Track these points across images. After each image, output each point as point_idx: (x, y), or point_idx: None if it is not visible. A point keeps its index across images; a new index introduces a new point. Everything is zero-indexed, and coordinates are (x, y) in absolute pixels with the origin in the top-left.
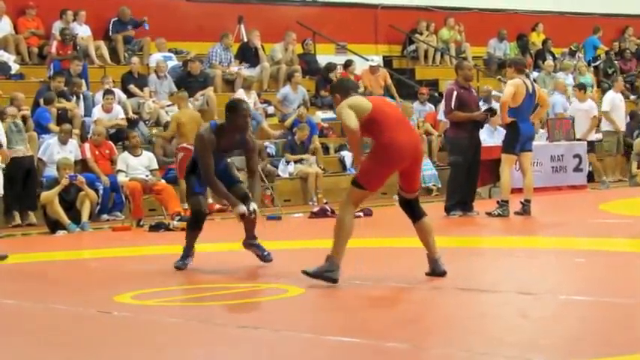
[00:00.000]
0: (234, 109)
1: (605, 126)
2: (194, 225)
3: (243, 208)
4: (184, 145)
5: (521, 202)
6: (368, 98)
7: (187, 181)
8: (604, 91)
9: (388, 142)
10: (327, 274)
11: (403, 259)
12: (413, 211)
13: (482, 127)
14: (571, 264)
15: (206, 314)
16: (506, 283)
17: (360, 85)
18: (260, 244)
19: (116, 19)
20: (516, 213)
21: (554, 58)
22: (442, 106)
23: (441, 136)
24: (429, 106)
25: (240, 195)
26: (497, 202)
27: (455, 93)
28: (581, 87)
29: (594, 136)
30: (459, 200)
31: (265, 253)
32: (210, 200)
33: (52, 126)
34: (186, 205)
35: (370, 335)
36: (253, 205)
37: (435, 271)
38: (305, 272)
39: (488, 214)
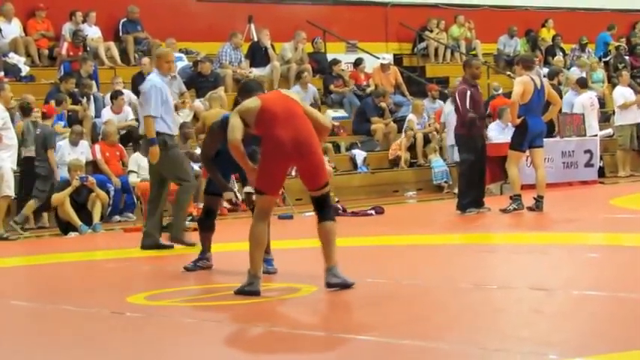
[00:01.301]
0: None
1: (618, 120)
2: (204, 222)
3: (231, 194)
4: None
5: (534, 198)
6: (261, 97)
7: (209, 179)
8: (614, 87)
9: (268, 140)
10: (246, 288)
11: (414, 257)
12: (320, 211)
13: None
14: (584, 259)
15: (219, 314)
16: (520, 279)
17: (263, 84)
18: (270, 259)
19: (125, 19)
20: (529, 209)
21: (564, 54)
22: (446, 106)
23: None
24: (439, 103)
25: (250, 201)
26: (510, 197)
27: (468, 92)
28: (582, 83)
29: (604, 132)
30: (473, 198)
31: (269, 268)
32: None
33: (59, 127)
34: (201, 205)
35: (384, 333)
36: (247, 188)
37: (326, 282)
38: (235, 292)
39: (503, 210)
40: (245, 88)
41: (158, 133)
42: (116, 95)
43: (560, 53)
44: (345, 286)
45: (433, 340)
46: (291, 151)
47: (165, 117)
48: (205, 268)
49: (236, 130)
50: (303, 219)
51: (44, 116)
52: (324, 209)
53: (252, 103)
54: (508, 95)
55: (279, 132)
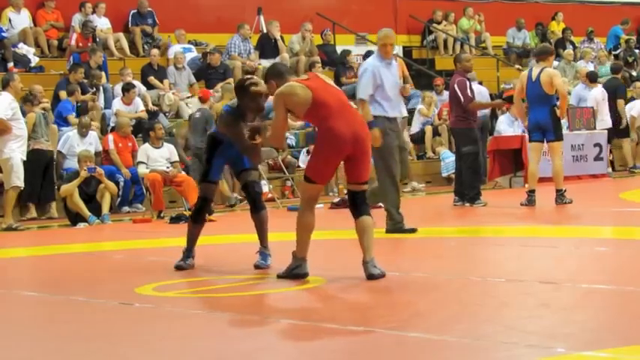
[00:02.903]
0: (242, 90)
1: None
2: (197, 216)
3: (271, 151)
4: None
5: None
6: (307, 83)
7: (204, 166)
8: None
9: (327, 130)
10: (294, 271)
11: (422, 249)
12: (357, 207)
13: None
14: (592, 253)
15: (228, 305)
16: (528, 272)
17: (293, 69)
18: (266, 253)
19: (135, 11)
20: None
21: (574, 47)
22: (444, 98)
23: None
24: (447, 95)
25: (245, 180)
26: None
27: (467, 83)
28: (592, 77)
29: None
30: (479, 189)
31: (261, 262)
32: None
33: (72, 118)
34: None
35: (391, 325)
36: (253, 175)
37: (366, 274)
38: (278, 276)
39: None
40: (277, 72)
41: (375, 117)
42: (128, 88)
43: (570, 46)
44: (383, 275)
45: (440, 333)
46: (350, 143)
47: (380, 100)
48: (192, 265)
49: (279, 130)
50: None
51: (201, 100)
52: (363, 205)
53: (300, 91)
54: None
55: (337, 124)
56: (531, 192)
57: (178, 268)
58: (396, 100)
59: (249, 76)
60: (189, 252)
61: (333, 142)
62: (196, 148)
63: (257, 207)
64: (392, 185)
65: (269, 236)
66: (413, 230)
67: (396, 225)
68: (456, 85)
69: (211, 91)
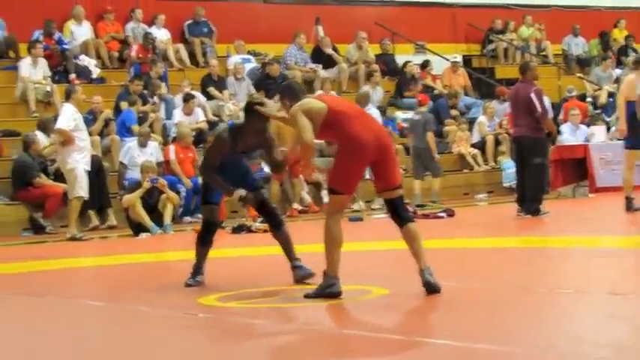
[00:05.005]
0: (252, 110)
1: None
2: (204, 237)
3: (240, 191)
4: (282, 148)
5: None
6: (318, 97)
7: (205, 187)
8: None
9: (348, 137)
10: (327, 290)
11: (487, 260)
12: (398, 214)
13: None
14: None
15: (291, 316)
16: (596, 283)
17: (304, 89)
18: (301, 265)
19: (191, 21)
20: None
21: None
22: (506, 107)
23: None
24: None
25: (257, 200)
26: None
27: (543, 93)
28: None
29: None
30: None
31: (301, 274)
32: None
33: (136, 128)
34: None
35: (457, 336)
36: (262, 194)
37: (423, 283)
38: (307, 296)
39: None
40: (292, 91)
41: None
42: (188, 98)
43: (633, 54)
44: (439, 286)
45: (507, 345)
46: (373, 149)
47: None
48: (201, 282)
49: (309, 129)
50: (373, 221)
51: (419, 104)
52: (403, 212)
53: (315, 104)
54: (581, 97)
55: (357, 129)
56: (628, 198)
57: (188, 285)
58: None
59: (257, 96)
60: (198, 269)
61: (355, 148)
62: (418, 149)
63: (278, 224)
64: None
65: (317, 246)
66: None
67: None
68: (533, 95)
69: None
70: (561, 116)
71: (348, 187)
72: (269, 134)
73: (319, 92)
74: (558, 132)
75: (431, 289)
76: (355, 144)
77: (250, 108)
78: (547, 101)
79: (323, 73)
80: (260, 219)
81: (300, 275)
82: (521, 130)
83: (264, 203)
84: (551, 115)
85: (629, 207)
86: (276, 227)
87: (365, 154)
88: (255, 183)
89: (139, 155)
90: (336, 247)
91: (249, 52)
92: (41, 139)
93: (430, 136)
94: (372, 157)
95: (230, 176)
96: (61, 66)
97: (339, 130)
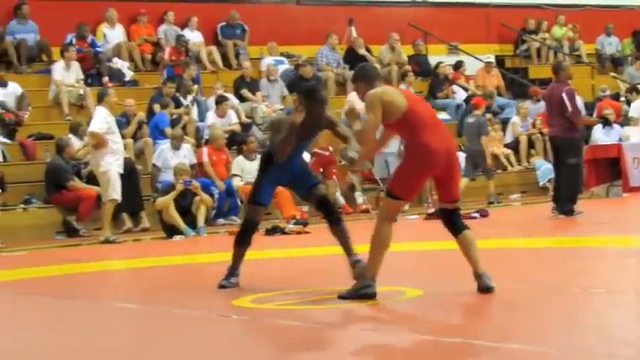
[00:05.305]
0: (313, 95)
1: None
2: (243, 237)
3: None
4: (315, 149)
5: None
6: (405, 95)
7: (257, 187)
8: None
9: (420, 145)
10: (362, 291)
11: (520, 260)
12: (453, 224)
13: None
14: None
15: (325, 317)
16: (628, 283)
17: (385, 78)
18: (360, 259)
19: (224, 23)
20: None
21: None
22: (539, 107)
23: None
24: (542, 104)
25: (317, 196)
26: None
27: (575, 94)
28: None
29: None
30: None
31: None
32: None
33: (169, 130)
34: (304, 208)
35: (490, 337)
36: (321, 190)
37: (481, 287)
38: (340, 297)
39: None
40: (368, 74)
41: None
42: (220, 100)
43: None
44: (488, 290)
45: (540, 344)
46: (442, 164)
47: None
48: (236, 284)
49: (373, 128)
50: (406, 222)
51: (474, 107)
52: (458, 221)
53: (397, 97)
54: (614, 97)
55: (431, 139)
56: None
57: (222, 287)
58: None
59: (314, 82)
60: (233, 270)
61: (426, 158)
62: (470, 150)
63: (336, 219)
64: None
65: (361, 247)
66: None
67: None
68: (565, 95)
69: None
70: (595, 116)
71: (408, 194)
72: (328, 115)
73: (402, 87)
74: (594, 125)
75: (489, 292)
76: (426, 156)
77: (312, 92)
78: (580, 101)
79: None
80: (293, 221)
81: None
82: (554, 130)
83: (324, 199)
84: (583, 113)
85: None
86: (335, 222)
87: (433, 167)
88: (312, 180)
89: (172, 157)
90: (382, 250)
91: (282, 54)
92: (74, 142)
93: (484, 140)
94: (439, 171)
95: (280, 179)
96: (94, 69)
97: (413, 135)
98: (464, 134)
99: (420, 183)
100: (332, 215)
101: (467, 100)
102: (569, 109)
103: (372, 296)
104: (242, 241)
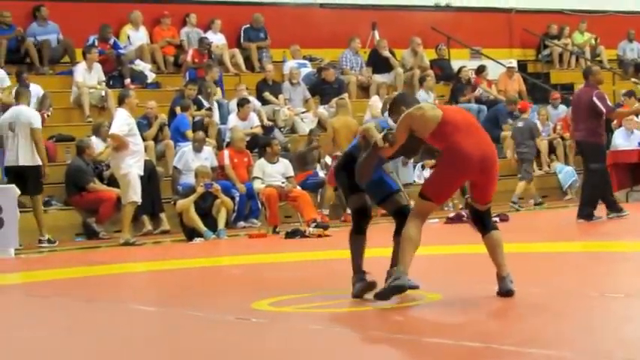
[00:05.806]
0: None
1: None
2: (357, 228)
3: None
4: (337, 153)
5: None
6: (439, 106)
7: (343, 181)
8: None
9: (455, 149)
10: (394, 282)
11: (540, 264)
12: (483, 223)
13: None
14: None
15: (345, 320)
16: None
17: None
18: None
19: (248, 26)
20: None
21: None
22: (569, 111)
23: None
24: (562, 109)
25: (395, 207)
26: None
27: (603, 95)
28: None
29: None
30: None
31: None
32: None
33: (189, 133)
34: (325, 211)
35: (511, 341)
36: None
37: (502, 289)
38: (377, 296)
39: None
40: (407, 100)
41: None
42: (242, 103)
43: None
44: (509, 294)
45: (558, 349)
46: (477, 165)
47: None
48: (372, 287)
49: (402, 138)
50: (428, 226)
51: (521, 111)
52: (487, 221)
53: (429, 110)
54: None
55: (466, 143)
56: None
57: (357, 296)
58: None
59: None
60: (357, 268)
61: (460, 161)
62: (521, 153)
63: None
64: None
65: (373, 250)
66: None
67: None
68: (595, 98)
69: (325, 106)
70: (615, 121)
71: (440, 197)
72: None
73: (422, 91)
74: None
75: (509, 296)
76: (461, 157)
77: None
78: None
79: (378, 77)
80: (314, 224)
81: (413, 284)
82: (580, 135)
83: (403, 209)
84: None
85: None
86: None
87: (465, 172)
88: (392, 188)
89: (193, 160)
90: (412, 248)
91: (304, 57)
92: (96, 143)
93: (538, 142)
94: (473, 175)
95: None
96: (116, 71)
97: (448, 139)
98: (512, 138)
99: (452, 188)
100: (402, 226)
101: (488, 104)
102: (603, 109)
103: (403, 288)
104: (357, 231)
